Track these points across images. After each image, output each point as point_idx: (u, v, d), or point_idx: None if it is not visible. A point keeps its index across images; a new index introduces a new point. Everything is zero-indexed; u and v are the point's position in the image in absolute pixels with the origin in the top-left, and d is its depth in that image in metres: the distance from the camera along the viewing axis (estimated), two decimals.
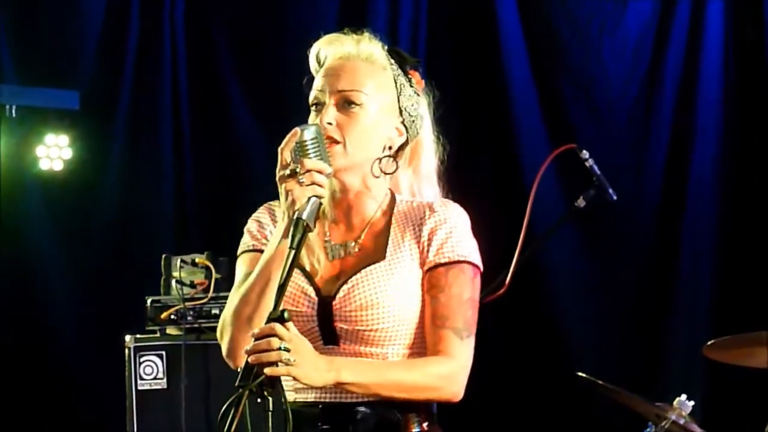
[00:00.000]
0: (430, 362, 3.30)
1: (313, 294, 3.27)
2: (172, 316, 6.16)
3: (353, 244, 3.39)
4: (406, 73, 3.42)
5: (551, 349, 7.02)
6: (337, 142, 3.22)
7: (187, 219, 7.52)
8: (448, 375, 3.29)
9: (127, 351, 6.16)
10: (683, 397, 4.97)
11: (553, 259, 7.04)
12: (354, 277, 3.32)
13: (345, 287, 3.27)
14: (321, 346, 3.19)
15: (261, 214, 3.40)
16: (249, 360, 2.90)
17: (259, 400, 2.84)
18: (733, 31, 7.53)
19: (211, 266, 6.22)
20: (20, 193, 7.51)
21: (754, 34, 7.60)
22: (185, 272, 6.25)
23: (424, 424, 3.26)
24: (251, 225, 3.38)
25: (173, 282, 6.21)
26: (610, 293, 7.35)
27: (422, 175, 3.51)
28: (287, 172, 3.10)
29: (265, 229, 3.40)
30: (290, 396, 3.22)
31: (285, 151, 3.13)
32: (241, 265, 3.28)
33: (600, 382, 5.26)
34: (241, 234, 3.30)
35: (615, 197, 5.24)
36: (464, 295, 3.32)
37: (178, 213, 7.52)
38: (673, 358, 7.06)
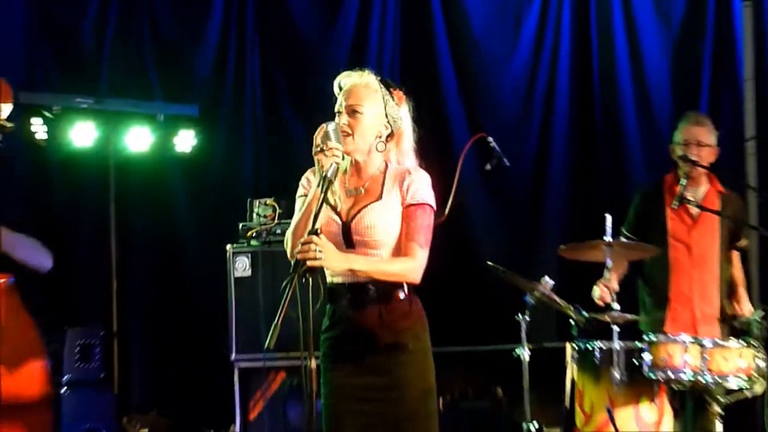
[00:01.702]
0: (402, 260, 4.47)
1: (338, 220, 4.46)
2: (254, 234, 7.70)
3: (361, 189, 4.54)
4: (390, 92, 4.59)
5: (471, 250, 8.33)
6: (348, 135, 4.45)
7: (261, 179, 8.94)
8: (412, 268, 4.45)
9: (228, 254, 7.69)
10: (547, 277, 6.54)
11: (472, 199, 8.15)
12: (362, 210, 4.47)
13: (357, 216, 4.46)
14: (344, 249, 4.39)
15: (306, 175, 4.60)
16: (297, 257, 4.08)
17: (303, 280, 4.04)
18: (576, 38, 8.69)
19: (276, 205, 7.70)
20: (165, 166, 9.23)
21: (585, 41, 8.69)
22: (261, 209, 7.77)
23: (406, 292, 4.48)
24: (302, 181, 4.61)
25: (255, 214, 7.79)
26: (505, 216, 8.67)
27: (403, 151, 4.62)
28: (318, 149, 4.35)
29: (308, 184, 4.54)
30: (329, 279, 4.48)
31: (317, 138, 4.39)
32: (297, 204, 4.55)
33: (501, 268, 6.66)
34: (293, 188, 4.62)
35: (508, 163, 6.75)
36: (424, 223, 4.50)
37: (256, 175, 9.10)
38: (542, 254, 8.31)
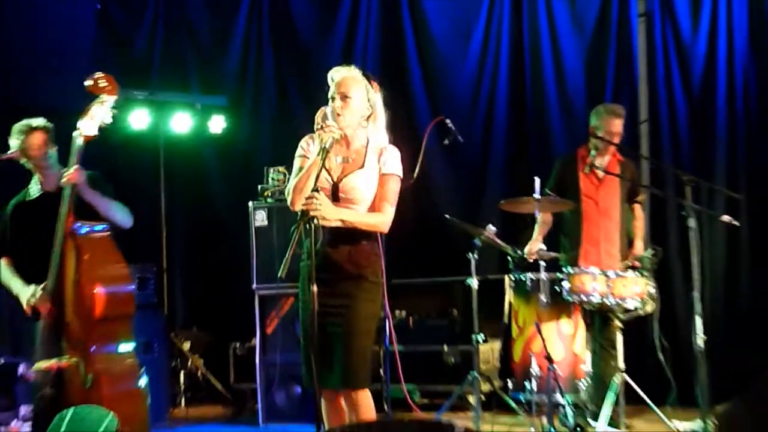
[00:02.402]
0: (377, 215, 4.53)
1: (330, 180, 4.45)
2: (269, 194, 7.48)
3: (349, 158, 4.54)
4: (369, 82, 4.60)
5: (433, 206, 8.02)
6: (340, 115, 4.44)
7: (274, 152, 8.43)
8: (384, 221, 4.53)
9: (250, 209, 7.45)
10: (490, 225, 6.59)
11: (433, 167, 7.93)
12: (349, 175, 4.49)
13: (345, 179, 4.48)
14: (334, 203, 4.41)
15: (306, 139, 4.60)
16: (303, 208, 4.17)
17: (307, 225, 4.16)
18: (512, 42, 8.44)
19: (286, 172, 7.37)
20: (202, 144, 9.20)
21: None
22: (274, 175, 7.56)
23: (370, 239, 4.52)
24: (302, 143, 4.60)
25: (270, 179, 7.56)
26: (459, 179, 8.44)
27: (377, 126, 4.62)
28: (318, 126, 4.42)
29: (308, 146, 4.56)
30: (324, 223, 4.40)
31: (318, 118, 4.50)
32: (296, 162, 4.56)
33: (455, 219, 6.69)
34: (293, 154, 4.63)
35: (461, 139, 6.55)
36: (394, 188, 4.56)
37: (271, 149, 8.75)
38: (487, 208, 8.02)
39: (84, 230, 5.25)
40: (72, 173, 5.15)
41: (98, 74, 5.30)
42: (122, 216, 5.52)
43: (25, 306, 5.38)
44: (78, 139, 5.22)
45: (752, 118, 7.54)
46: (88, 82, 5.27)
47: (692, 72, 7.72)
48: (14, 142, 5.53)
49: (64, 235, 5.16)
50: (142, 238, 5.31)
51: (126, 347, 5.28)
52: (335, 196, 4.48)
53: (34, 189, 5.61)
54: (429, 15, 8.61)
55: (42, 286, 5.28)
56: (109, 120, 5.27)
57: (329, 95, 4.54)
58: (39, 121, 5.54)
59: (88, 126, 5.20)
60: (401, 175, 4.61)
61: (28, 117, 5.62)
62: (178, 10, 9.45)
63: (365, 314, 4.50)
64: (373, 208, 4.55)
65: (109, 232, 5.39)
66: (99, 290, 5.12)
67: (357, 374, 4.43)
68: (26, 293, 5.36)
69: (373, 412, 4.54)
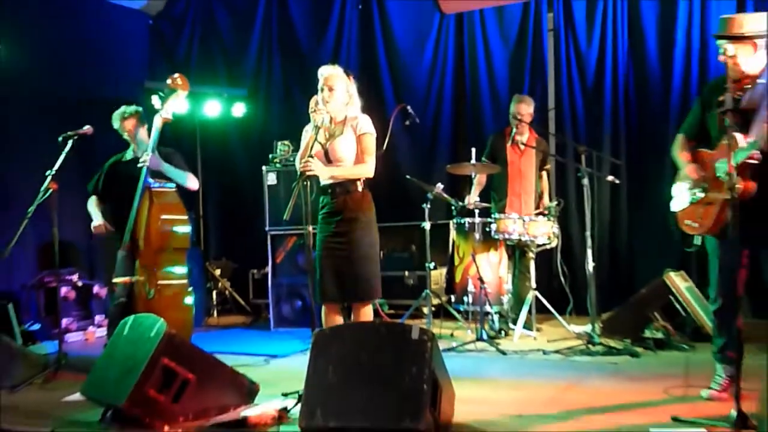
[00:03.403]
0: (361, 166, 4.46)
1: (321, 147, 4.46)
2: (278, 161, 7.33)
3: (337, 129, 4.50)
4: (348, 77, 4.56)
5: (398, 169, 7.63)
6: (327, 102, 4.42)
7: (282, 129, 8.22)
8: (368, 169, 4.46)
9: (263, 172, 7.31)
10: (440, 183, 6.61)
11: (397, 141, 7.55)
12: (335, 140, 4.47)
13: (331, 144, 4.46)
14: (326, 163, 4.43)
15: (307, 126, 4.56)
16: (300, 169, 4.28)
17: (304, 183, 4.23)
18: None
19: (290, 144, 7.33)
20: (228, 125, 8.96)
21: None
22: (281, 146, 7.42)
23: (360, 188, 4.47)
24: (307, 127, 4.58)
25: (278, 150, 7.42)
26: (416, 150, 8.17)
27: (355, 107, 4.58)
28: (312, 110, 4.45)
29: (308, 129, 4.55)
30: (321, 182, 4.48)
31: (311, 104, 4.51)
32: (302, 142, 4.54)
33: (414, 179, 6.72)
34: (299, 134, 4.62)
35: (418, 120, 6.37)
36: (370, 143, 4.50)
37: (280, 128, 8.45)
38: (437, 171, 7.78)
39: (156, 186, 5.34)
40: (147, 159, 5.29)
41: (177, 75, 5.37)
42: (190, 183, 5.64)
43: (92, 229, 5.69)
44: (157, 120, 5.32)
45: (630, 106, 7.49)
46: (168, 80, 5.35)
47: (587, 72, 7.65)
48: (116, 124, 5.71)
49: (143, 188, 5.28)
50: (185, 194, 5.37)
51: (180, 271, 5.34)
52: (327, 158, 4.47)
53: (129, 153, 5.77)
54: (395, 30, 8.44)
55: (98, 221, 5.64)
56: (181, 109, 5.45)
57: (319, 87, 4.49)
58: (131, 109, 5.71)
59: (166, 112, 5.30)
60: (374, 133, 4.55)
61: (95, 106, 5.90)
62: (210, 24, 9.29)
63: (363, 244, 4.45)
64: (358, 160, 4.49)
65: (175, 189, 5.46)
66: (164, 228, 5.25)
67: (360, 292, 4.43)
68: (95, 222, 5.68)
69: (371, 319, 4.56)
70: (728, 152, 3.58)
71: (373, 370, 3.39)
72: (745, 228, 3.51)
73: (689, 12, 7.13)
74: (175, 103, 5.33)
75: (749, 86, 3.80)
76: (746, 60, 3.78)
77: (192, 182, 5.65)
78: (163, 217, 5.22)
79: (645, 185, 7.11)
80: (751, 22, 3.74)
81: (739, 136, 3.69)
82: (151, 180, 5.28)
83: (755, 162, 3.69)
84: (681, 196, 4.14)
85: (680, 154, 4.16)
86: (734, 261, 3.81)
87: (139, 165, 5.31)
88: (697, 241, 4.16)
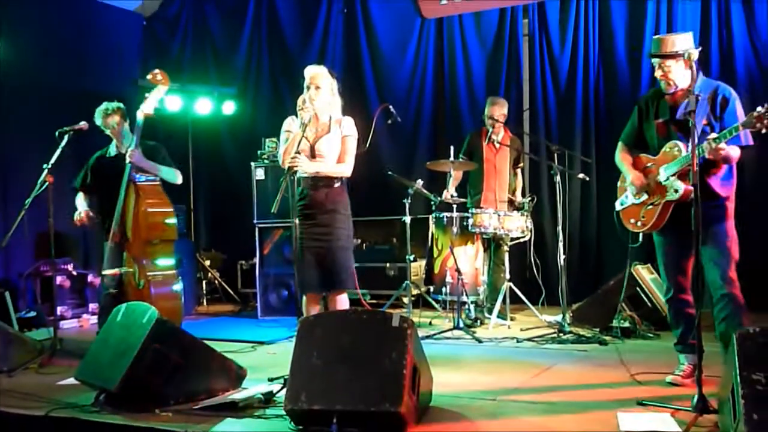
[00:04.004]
0: (342, 164, 4.48)
1: (308, 144, 4.41)
2: (265, 156, 7.28)
3: (322, 127, 4.47)
4: (332, 76, 4.53)
5: (380, 165, 7.62)
6: (313, 99, 4.39)
7: (269, 128, 7.28)
8: (346, 168, 4.48)
9: (252, 167, 7.28)
10: (419, 179, 6.57)
11: (380, 138, 7.66)
12: (320, 139, 4.45)
13: (317, 143, 4.44)
14: (311, 159, 4.41)
15: (287, 120, 4.52)
16: (288, 165, 4.23)
17: (291, 178, 4.21)
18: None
19: (276, 141, 6.45)
20: (218, 122, 8.91)
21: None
22: (269, 143, 7.35)
23: (340, 183, 4.47)
24: (285, 122, 4.51)
25: (266, 146, 7.37)
26: (398, 147, 8.11)
27: (337, 108, 4.54)
28: (299, 108, 4.47)
29: (289, 124, 4.49)
30: (301, 174, 4.44)
31: (299, 102, 4.51)
32: (282, 135, 4.48)
33: (395, 175, 6.76)
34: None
35: (399, 119, 6.54)
36: (352, 145, 4.52)
37: (267, 126, 7.94)
38: (418, 167, 7.73)
39: (141, 179, 5.28)
40: (131, 153, 5.21)
41: (156, 70, 5.29)
42: (170, 177, 5.50)
43: (74, 221, 5.57)
44: (139, 115, 5.26)
45: (600, 107, 7.51)
46: (149, 76, 5.28)
47: (560, 75, 7.65)
48: (98, 120, 5.54)
49: (128, 182, 5.22)
50: (177, 188, 5.33)
51: (168, 262, 5.31)
52: (312, 154, 4.45)
53: (112, 149, 5.61)
54: (378, 33, 8.41)
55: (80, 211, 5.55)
56: (158, 105, 5.33)
57: (305, 85, 4.46)
58: (114, 105, 5.55)
59: (147, 107, 5.24)
60: (356, 135, 4.56)
61: (91, 103, 5.64)
62: (202, 25, 9.24)
63: (341, 236, 4.45)
64: (339, 160, 4.49)
65: (159, 182, 5.39)
66: (151, 222, 5.21)
67: (337, 281, 4.43)
68: (77, 213, 5.56)
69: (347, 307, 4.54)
70: (672, 158, 3.96)
71: (355, 355, 3.41)
72: (683, 226, 3.82)
73: (656, 18, 7.17)
74: (156, 98, 5.25)
75: (681, 98, 3.99)
76: (678, 75, 3.96)
77: (175, 177, 5.55)
78: (150, 210, 5.19)
79: (613, 182, 6.91)
80: (681, 40, 3.95)
81: (680, 143, 3.96)
82: (136, 174, 5.22)
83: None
84: (625, 198, 4.33)
85: (623, 161, 4.33)
86: (682, 255, 4.05)
87: (127, 162, 5.24)
88: (640, 237, 4.38)
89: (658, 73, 4.01)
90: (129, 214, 5.19)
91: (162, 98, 5.30)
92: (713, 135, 3.75)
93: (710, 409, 3.33)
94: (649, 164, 4.18)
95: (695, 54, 3.76)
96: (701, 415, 3.32)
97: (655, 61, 3.99)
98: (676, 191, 3.93)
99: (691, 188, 3.65)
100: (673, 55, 3.90)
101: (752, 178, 6.63)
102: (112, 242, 5.21)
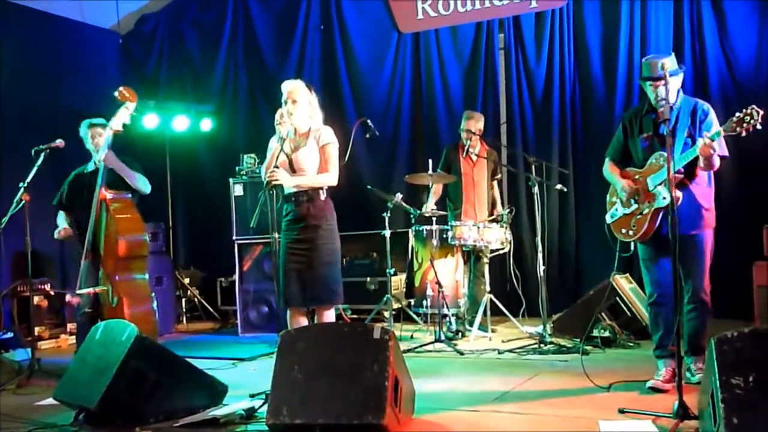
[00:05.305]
0: (325, 175, 4.44)
1: (286, 157, 4.42)
2: (244, 173, 7.26)
3: (301, 140, 4.47)
4: (310, 90, 4.54)
5: (359, 179, 7.73)
6: (291, 114, 4.40)
7: (247, 144, 8.17)
8: (332, 178, 4.45)
9: (230, 184, 7.24)
10: (399, 193, 6.58)
11: (358, 153, 7.64)
12: (298, 151, 4.43)
13: (295, 156, 4.42)
14: (291, 174, 4.40)
15: (273, 138, 4.51)
16: (267, 179, 4.26)
17: (269, 192, 4.26)
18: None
19: (255, 157, 7.31)
20: (196, 139, 8.86)
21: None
22: (247, 159, 7.37)
23: (323, 197, 4.45)
24: (270, 141, 4.56)
25: (244, 162, 7.37)
26: (376, 160, 8.10)
27: (317, 119, 4.54)
28: (277, 123, 4.50)
29: (273, 143, 4.50)
30: (285, 191, 4.45)
31: (277, 116, 4.54)
32: (268, 154, 4.48)
33: (375, 189, 6.74)
34: (264, 148, 4.60)
35: (378, 134, 6.40)
36: (333, 153, 4.48)
37: (245, 142, 8.38)
38: (396, 181, 7.72)
39: (111, 196, 5.27)
40: (105, 155, 5.23)
41: (122, 87, 5.30)
42: (142, 184, 5.47)
43: (55, 237, 5.59)
44: (108, 131, 5.27)
45: (576, 119, 7.55)
46: (116, 93, 5.27)
47: (536, 88, 7.68)
48: (83, 131, 5.59)
49: (99, 200, 5.20)
50: (155, 205, 5.26)
51: (141, 277, 5.28)
52: (292, 168, 4.44)
53: (90, 165, 5.62)
54: (355, 48, 8.40)
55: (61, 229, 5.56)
56: (128, 120, 5.29)
57: (283, 100, 4.46)
58: (98, 120, 5.58)
59: (115, 123, 5.22)
60: (336, 142, 4.51)
61: (68, 120, 5.73)
62: (178, 42, 9.24)
63: (325, 250, 4.43)
64: (321, 170, 4.46)
65: (130, 198, 5.37)
66: (122, 238, 5.17)
67: (320, 298, 4.41)
68: (57, 229, 5.59)
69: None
70: (661, 168, 4.09)
71: (336, 369, 3.40)
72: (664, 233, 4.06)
73: (630, 30, 7.25)
74: (125, 115, 5.24)
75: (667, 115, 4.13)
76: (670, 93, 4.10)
77: (146, 185, 5.52)
78: (121, 226, 5.16)
79: (591, 193, 7.14)
80: (669, 63, 4.14)
81: (665, 154, 3.99)
82: (106, 192, 5.21)
83: (680, 175, 4.10)
84: (615, 210, 4.47)
85: (612, 173, 4.50)
86: (663, 262, 4.24)
87: (97, 160, 5.26)
88: (632, 246, 4.44)
89: (654, 97, 4.21)
90: (101, 230, 5.17)
91: (133, 114, 5.29)
92: (707, 133, 3.93)
93: (691, 415, 3.36)
94: (636, 176, 4.34)
95: (680, 77, 4.10)
96: (682, 421, 3.35)
97: (647, 83, 4.21)
98: (665, 198, 4.07)
99: (680, 195, 3.92)
100: (663, 77, 4.02)
101: (728, 187, 6.75)
102: (86, 260, 5.18)
